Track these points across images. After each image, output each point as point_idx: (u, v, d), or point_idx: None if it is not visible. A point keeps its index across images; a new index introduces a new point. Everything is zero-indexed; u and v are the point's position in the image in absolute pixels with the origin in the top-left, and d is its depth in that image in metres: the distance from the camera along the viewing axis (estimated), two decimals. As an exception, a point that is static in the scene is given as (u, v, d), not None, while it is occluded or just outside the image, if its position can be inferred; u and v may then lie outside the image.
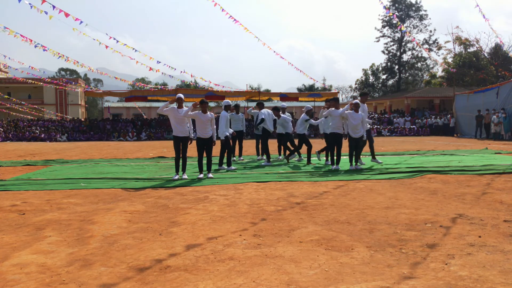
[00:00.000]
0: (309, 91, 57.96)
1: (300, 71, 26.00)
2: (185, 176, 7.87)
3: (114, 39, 18.79)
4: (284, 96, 36.04)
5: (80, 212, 5.00)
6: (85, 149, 18.21)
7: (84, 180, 7.77)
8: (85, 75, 77.96)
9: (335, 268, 3.02)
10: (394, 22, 50.95)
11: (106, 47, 19.52)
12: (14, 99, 37.97)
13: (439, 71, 53.64)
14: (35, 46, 17.26)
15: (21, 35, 16.07)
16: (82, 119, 34.84)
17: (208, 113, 7.96)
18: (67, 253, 3.45)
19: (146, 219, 4.62)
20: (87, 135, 29.35)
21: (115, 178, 8.00)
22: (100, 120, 33.31)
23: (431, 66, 55.22)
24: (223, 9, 15.12)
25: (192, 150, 8.66)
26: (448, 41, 50.49)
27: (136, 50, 21.40)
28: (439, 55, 52.19)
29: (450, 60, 48.62)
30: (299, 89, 67.88)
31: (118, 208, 5.17)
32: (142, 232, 4.09)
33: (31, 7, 12.91)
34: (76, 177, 8.27)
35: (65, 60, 19.50)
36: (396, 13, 48.40)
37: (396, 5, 51.37)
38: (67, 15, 14.07)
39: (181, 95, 7.84)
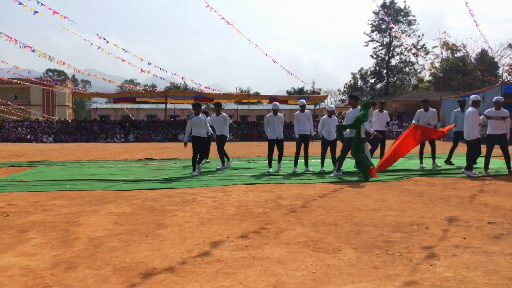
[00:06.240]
0: (299, 94, 58.18)
1: (291, 74, 26.14)
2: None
3: (104, 39, 18.63)
4: (273, 99, 36.08)
5: (65, 214, 4.92)
6: (72, 150, 17.98)
7: (70, 182, 7.67)
8: (73, 76, 76.99)
9: (322, 269, 3.03)
10: (384, 27, 51.48)
11: (98, 47, 19.34)
12: (-1, 99, 37.36)
13: (426, 75, 54.46)
14: (20, 47, 17.03)
15: (6, 35, 15.83)
16: (69, 120, 34.41)
17: (200, 115, 8.88)
18: (51, 255, 3.40)
19: (133, 221, 4.57)
20: (74, 137, 29.00)
21: (101, 180, 7.91)
22: (88, 122, 32.96)
23: (418, 70, 56.09)
24: (215, 11, 15.13)
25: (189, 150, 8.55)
26: (435, 46, 51.38)
27: (126, 51, 21.25)
28: (426, 60, 53.04)
29: (437, 65, 49.38)
30: (288, 92, 68.10)
31: (104, 210, 5.11)
32: (128, 234, 4.04)
33: (20, 3, 12.74)
34: (62, 178, 8.15)
35: (50, 60, 19.22)
36: (386, 19, 49.02)
37: (385, 10, 52.01)
38: (55, 13, 13.93)
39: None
